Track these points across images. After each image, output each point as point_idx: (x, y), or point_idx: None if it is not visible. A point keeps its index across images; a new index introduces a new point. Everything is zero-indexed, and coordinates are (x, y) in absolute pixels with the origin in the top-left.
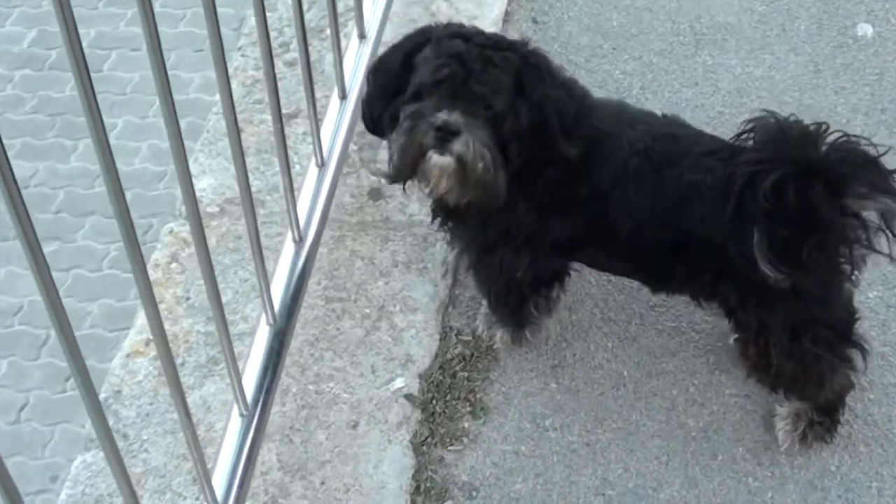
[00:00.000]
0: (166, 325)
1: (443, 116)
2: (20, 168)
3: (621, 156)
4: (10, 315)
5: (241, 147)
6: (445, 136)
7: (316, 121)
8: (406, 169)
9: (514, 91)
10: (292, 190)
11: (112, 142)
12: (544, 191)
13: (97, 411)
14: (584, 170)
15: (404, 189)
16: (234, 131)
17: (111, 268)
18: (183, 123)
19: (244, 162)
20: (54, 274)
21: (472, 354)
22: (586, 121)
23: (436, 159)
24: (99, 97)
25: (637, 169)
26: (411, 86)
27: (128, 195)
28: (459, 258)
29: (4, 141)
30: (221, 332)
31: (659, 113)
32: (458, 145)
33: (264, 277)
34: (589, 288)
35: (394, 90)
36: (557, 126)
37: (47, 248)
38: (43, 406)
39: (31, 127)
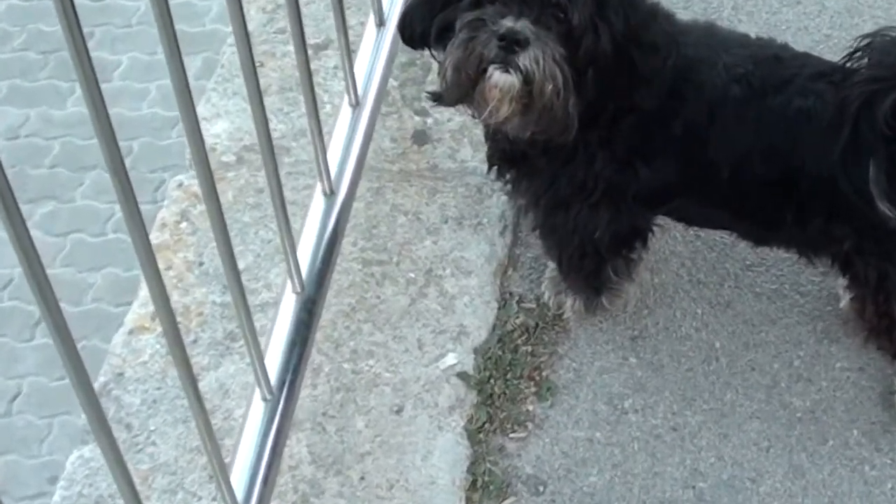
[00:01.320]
0: (176, 296)
1: (508, 23)
2: (8, 115)
3: (718, 84)
4: None
5: (257, 84)
6: (510, 46)
7: (349, 53)
8: (460, 88)
9: (596, 9)
10: (321, 134)
11: (116, 83)
12: (627, 135)
13: (89, 396)
14: (674, 104)
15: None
16: (250, 65)
17: (116, 231)
18: (198, 59)
19: (262, 102)
20: (49, 239)
21: (537, 325)
22: (673, 49)
23: (497, 77)
24: (100, 30)
25: (737, 97)
26: None
27: (135, 145)
28: (523, 216)
29: None
30: (239, 303)
31: (753, 36)
32: (524, 59)
33: (290, 238)
34: (674, 245)
35: (443, 1)
36: (634, 83)
37: (41, 209)
38: (39, 395)
39: (19, 66)
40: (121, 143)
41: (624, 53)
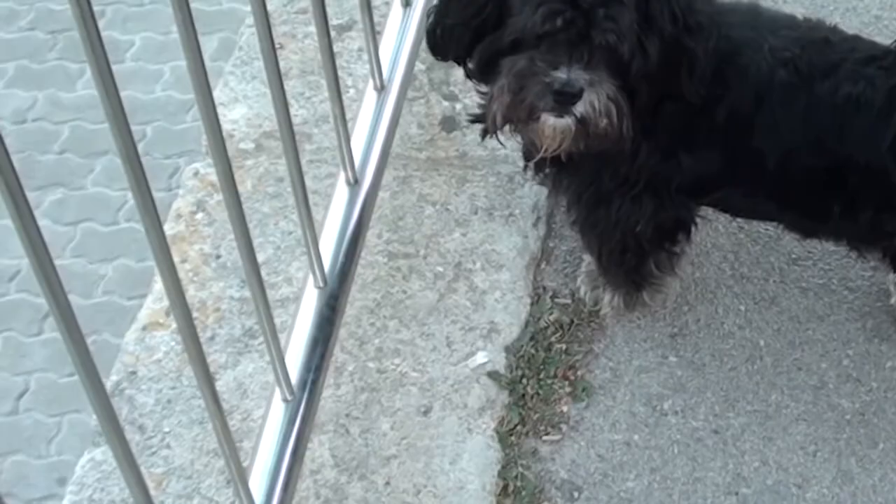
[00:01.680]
0: (192, 290)
1: (562, 77)
2: (15, 98)
3: (763, 68)
4: (5, 281)
5: (277, 67)
6: (566, 98)
7: (373, 34)
8: (508, 125)
9: (641, 26)
10: (345, 120)
11: (128, 64)
12: (670, 124)
13: (100, 396)
14: (718, 90)
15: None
16: (269, 47)
17: (129, 220)
18: (214, 40)
19: (282, 86)
20: (59, 228)
21: (572, 321)
22: (714, 30)
23: (552, 122)
24: (111, 9)
25: (784, 83)
26: (509, 32)
27: (148, 130)
28: (564, 212)
29: None
30: (258, 298)
31: (800, 17)
32: (580, 107)
33: (311, 229)
34: (716, 238)
35: (478, 27)
36: (687, 73)
37: (50, 197)
38: (47, 392)
39: (27, 47)
40: (133, 128)
41: (672, 48)
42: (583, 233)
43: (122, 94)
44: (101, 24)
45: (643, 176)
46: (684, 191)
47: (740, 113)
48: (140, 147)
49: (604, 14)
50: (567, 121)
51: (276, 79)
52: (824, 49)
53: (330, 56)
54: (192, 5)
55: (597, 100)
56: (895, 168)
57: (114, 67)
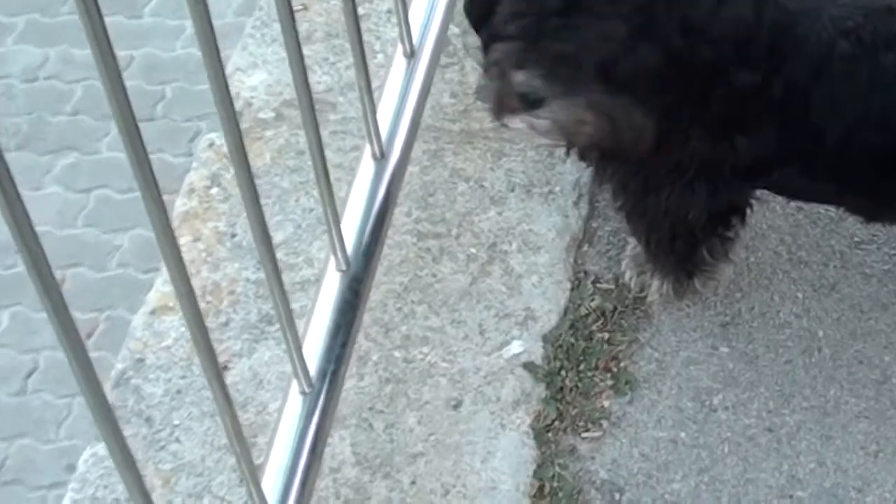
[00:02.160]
0: (205, 271)
1: (521, 80)
2: (25, 55)
3: (823, 39)
4: (12, 251)
5: (294, 29)
6: (527, 103)
7: None
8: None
9: (633, 34)
10: (371, 89)
11: (147, 20)
12: (721, 103)
13: (92, 386)
14: (774, 63)
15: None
16: (286, 7)
17: None
18: None
19: (300, 50)
20: (71, 195)
21: (615, 308)
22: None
23: (529, 120)
24: None
25: (845, 55)
26: (493, 23)
27: (167, 90)
28: (611, 197)
29: (3, 19)
30: (273, 281)
31: None
32: (546, 113)
33: (333, 207)
34: (772, 219)
35: (488, 6)
36: (730, 59)
37: (61, 161)
38: (56, 371)
39: (38, 1)
40: (152, 88)
41: (687, 60)
42: (629, 220)
43: (140, 52)
44: None
45: (695, 161)
46: (738, 174)
47: (797, 89)
48: (158, 108)
49: (560, 24)
50: (544, 121)
51: (294, 42)
52: (888, 18)
53: (354, 18)
54: None
55: (561, 111)
56: None
57: (131, 23)
